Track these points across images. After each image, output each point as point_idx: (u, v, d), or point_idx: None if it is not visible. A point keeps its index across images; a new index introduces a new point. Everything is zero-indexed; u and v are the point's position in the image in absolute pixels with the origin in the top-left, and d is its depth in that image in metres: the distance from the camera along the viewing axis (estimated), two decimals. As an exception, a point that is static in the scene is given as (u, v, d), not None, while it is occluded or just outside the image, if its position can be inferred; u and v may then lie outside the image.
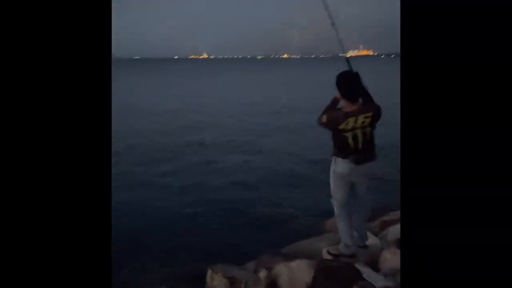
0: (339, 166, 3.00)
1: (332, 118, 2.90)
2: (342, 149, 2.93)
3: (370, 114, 2.85)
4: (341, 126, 2.84)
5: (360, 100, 2.94)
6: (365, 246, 3.31)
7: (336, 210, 3.21)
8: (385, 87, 9.72)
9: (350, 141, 2.87)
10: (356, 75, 2.91)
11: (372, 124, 2.90)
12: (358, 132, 2.86)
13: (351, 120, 2.84)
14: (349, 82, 2.90)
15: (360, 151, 2.89)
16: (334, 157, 3.05)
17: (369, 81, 3.13)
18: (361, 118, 2.84)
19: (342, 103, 3.00)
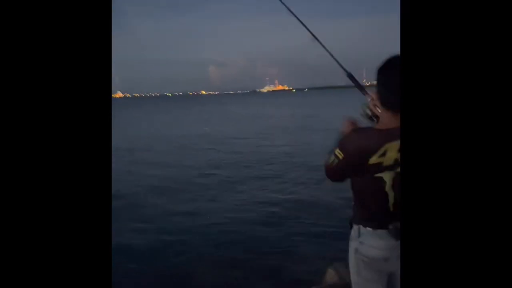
0: (369, 244, 1.60)
1: (356, 145, 1.50)
2: (373, 209, 1.56)
3: None
4: (373, 158, 1.45)
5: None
6: None
7: None
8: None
9: (389, 189, 1.48)
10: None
11: None
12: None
13: (392, 147, 1.44)
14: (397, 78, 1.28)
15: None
16: (355, 226, 1.66)
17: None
18: None
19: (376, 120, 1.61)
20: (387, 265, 1.62)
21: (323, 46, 2.05)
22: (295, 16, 2.12)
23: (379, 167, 1.47)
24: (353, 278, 1.73)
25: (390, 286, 1.70)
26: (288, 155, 11.54)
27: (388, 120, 1.50)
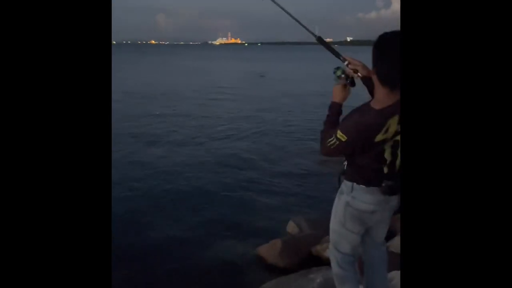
0: (361, 199, 1.73)
1: (362, 128, 1.58)
2: (369, 171, 1.68)
3: None
4: (379, 136, 1.58)
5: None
6: None
7: (338, 269, 1.93)
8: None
9: (388, 155, 1.63)
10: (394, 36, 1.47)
11: None
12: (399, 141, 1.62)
13: (393, 122, 1.55)
14: (395, 53, 1.32)
15: (395, 173, 1.66)
16: (348, 182, 1.76)
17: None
18: None
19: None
20: (372, 217, 1.80)
21: (288, 13, 1.94)
22: None
23: (384, 142, 1.60)
24: (337, 228, 1.88)
25: (367, 238, 1.96)
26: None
27: (385, 97, 1.57)
